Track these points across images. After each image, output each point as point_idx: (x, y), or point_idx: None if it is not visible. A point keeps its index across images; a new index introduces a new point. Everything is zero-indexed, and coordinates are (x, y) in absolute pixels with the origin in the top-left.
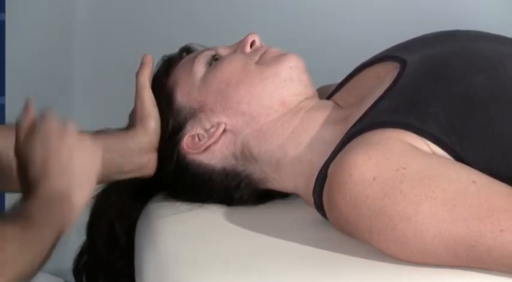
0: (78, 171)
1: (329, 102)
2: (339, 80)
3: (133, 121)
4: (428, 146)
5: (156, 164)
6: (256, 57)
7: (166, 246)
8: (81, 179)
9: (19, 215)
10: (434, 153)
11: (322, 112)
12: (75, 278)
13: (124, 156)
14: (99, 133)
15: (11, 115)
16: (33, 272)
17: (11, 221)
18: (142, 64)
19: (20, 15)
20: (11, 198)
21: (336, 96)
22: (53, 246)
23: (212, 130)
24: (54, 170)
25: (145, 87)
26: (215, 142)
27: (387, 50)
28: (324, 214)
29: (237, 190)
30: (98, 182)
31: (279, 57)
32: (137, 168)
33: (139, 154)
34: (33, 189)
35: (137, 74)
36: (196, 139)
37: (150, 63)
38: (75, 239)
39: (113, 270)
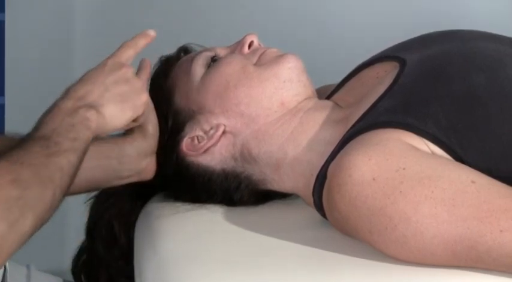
0: (119, 94)
1: (328, 103)
2: (338, 80)
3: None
4: (427, 146)
5: (155, 168)
6: (255, 58)
7: (166, 246)
8: (122, 102)
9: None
10: (433, 154)
11: (322, 112)
12: (74, 278)
13: (122, 163)
14: (96, 139)
15: (11, 115)
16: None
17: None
18: (140, 68)
19: (20, 15)
20: None
21: (336, 97)
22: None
23: (211, 132)
24: (96, 81)
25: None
26: (214, 144)
27: (387, 50)
28: (323, 214)
29: (236, 191)
30: (96, 188)
31: (278, 58)
32: (136, 173)
33: (138, 159)
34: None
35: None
36: (196, 141)
37: (148, 67)
38: (74, 238)
39: (112, 270)
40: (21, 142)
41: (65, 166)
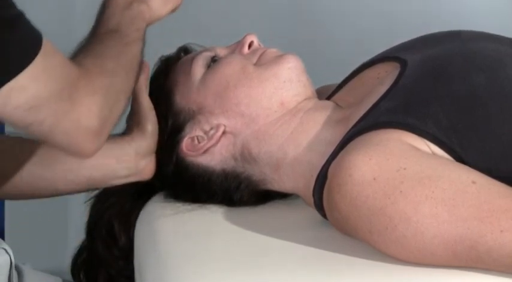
0: None
1: (329, 103)
2: (339, 80)
3: (130, 125)
4: (428, 146)
5: (155, 168)
6: (255, 58)
7: (166, 246)
8: None
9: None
10: (434, 154)
11: (322, 112)
12: (73, 277)
13: (121, 162)
14: None
15: None
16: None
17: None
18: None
19: None
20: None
21: (336, 97)
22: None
23: (211, 132)
24: None
25: (143, 92)
26: (214, 144)
27: (387, 51)
28: (324, 214)
29: (237, 191)
30: (96, 187)
31: (278, 58)
32: (135, 173)
33: (137, 159)
34: None
35: None
36: (196, 141)
37: (147, 69)
38: (74, 238)
39: (112, 270)
40: (94, 36)
41: (137, 53)
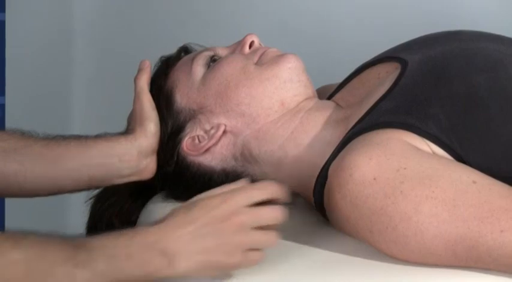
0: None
1: (329, 103)
2: (339, 80)
3: (132, 125)
4: (428, 146)
5: (156, 167)
6: (255, 58)
7: None
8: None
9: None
10: (434, 154)
11: (323, 112)
12: None
13: (123, 161)
14: (98, 137)
15: (11, 115)
16: None
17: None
18: (140, 69)
19: (20, 15)
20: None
21: (337, 97)
22: None
23: (212, 131)
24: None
25: (144, 91)
26: (215, 143)
27: (388, 51)
28: (324, 214)
29: None
30: (97, 186)
31: (278, 58)
32: (136, 172)
33: (139, 158)
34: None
35: (135, 79)
36: (196, 141)
37: (148, 68)
38: None
39: None
40: (79, 238)
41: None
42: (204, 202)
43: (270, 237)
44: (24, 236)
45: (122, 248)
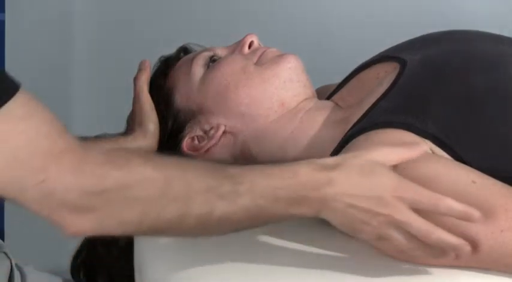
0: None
1: (329, 103)
2: (338, 80)
3: (131, 125)
4: (428, 145)
5: None
6: (255, 58)
7: (166, 245)
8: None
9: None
10: (434, 153)
11: (322, 112)
12: (73, 277)
13: None
14: (98, 138)
15: None
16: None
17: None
18: (140, 69)
19: (20, 15)
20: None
21: (336, 97)
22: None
23: (212, 132)
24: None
25: (144, 92)
26: (215, 144)
27: (387, 51)
28: None
29: None
30: None
31: (278, 58)
32: None
33: None
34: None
35: (135, 79)
36: (196, 141)
37: (148, 68)
38: (74, 238)
39: (112, 269)
40: (215, 168)
41: (220, 211)
42: (382, 177)
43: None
44: (161, 156)
45: (274, 189)
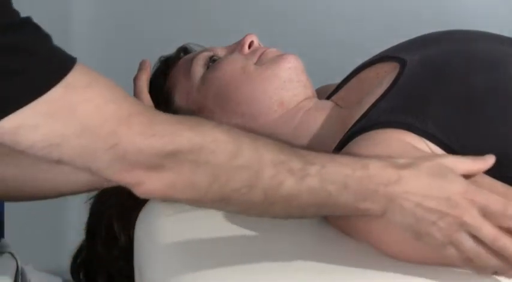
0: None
1: (328, 103)
2: (338, 80)
3: None
4: (428, 145)
5: None
6: (255, 58)
7: (166, 246)
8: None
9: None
10: (433, 153)
11: (322, 112)
12: (73, 277)
13: None
14: None
15: None
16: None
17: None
18: (140, 69)
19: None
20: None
21: (336, 97)
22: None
23: None
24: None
25: (143, 92)
26: None
27: (387, 50)
28: None
29: None
30: (98, 188)
31: (278, 58)
32: None
33: None
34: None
35: (135, 79)
36: None
37: (148, 68)
38: (74, 238)
39: (112, 269)
40: (286, 147)
41: (288, 187)
42: (452, 180)
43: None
44: (230, 127)
45: (345, 177)
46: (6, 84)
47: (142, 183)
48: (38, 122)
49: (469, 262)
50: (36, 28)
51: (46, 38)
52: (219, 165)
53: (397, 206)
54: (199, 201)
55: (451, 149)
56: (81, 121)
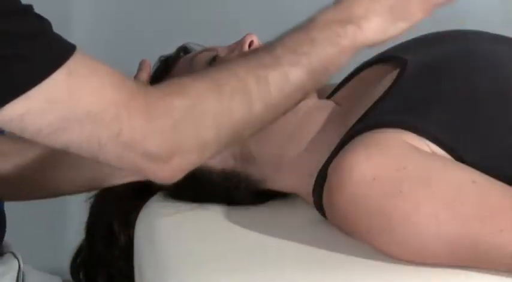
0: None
1: (329, 102)
2: (339, 80)
3: None
4: (428, 146)
5: None
6: None
7: (166, 245)
8: (392, 14)
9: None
10: (434, 154)
11: (322, 112)
12: (73, 277)
13: None
14: None
15: None
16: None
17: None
18: (140, 69)
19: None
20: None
21: (336, 96)
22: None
23: None
24: None
25: None
26: None
27: (388, 50)
28: (323, 214)
29: (236, 191)
30: (97, 187)
31: None
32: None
33: None
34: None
35: (135, 78)
36: None
37: (148, 68)
38: (73, 238)
39: (112, 269)
40: (269, 47)
41: (274, 79)
42: None
43: None
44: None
45: (300, 38)
46: (9, 70)
47: (159, 172)
48: (44, 107)
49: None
50: (37, 15)
51: (47, 25)
52: (214, 110)
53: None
54: (219, 151)
55: (452, 149)
56: (84, 109)
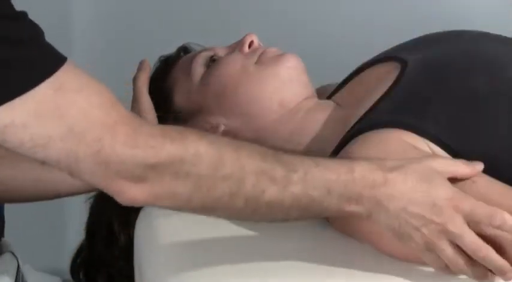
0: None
1: (329, 102)
2: (338, 80)
3: None
4: (428, 146)
5: None
6: (255, 58)
7: (166, 245)
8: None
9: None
10: (434, 153)
11: (322, 112)
12: (73, 277)
13: None
14: None
15: None
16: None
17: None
18: (139, 69)
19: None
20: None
21: (336, 96)
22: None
23: (211, 131)
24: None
25: (143, 92)
26: None
27: (388, 51)
28: None
29: None
30: (94, 190)
31: (278, 57)
32: None
33: None
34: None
35: (134, 79)
36: None
37: (148, 68)
38: (73, 238)
39: (112, 269)
40: (269, 153)
41: (270, 196)
42: (440, 185)
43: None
44: (215, 136)
45: (329, 182)
46: None
47: (124, 192)
48: (27, 122)
49: (445, 269)
50: (31, 23)
51: (39, 33)
52: (200, 177)
53: (382, 208)
54: (181, 209)
55: (452, 149)
56: (68, 124)
